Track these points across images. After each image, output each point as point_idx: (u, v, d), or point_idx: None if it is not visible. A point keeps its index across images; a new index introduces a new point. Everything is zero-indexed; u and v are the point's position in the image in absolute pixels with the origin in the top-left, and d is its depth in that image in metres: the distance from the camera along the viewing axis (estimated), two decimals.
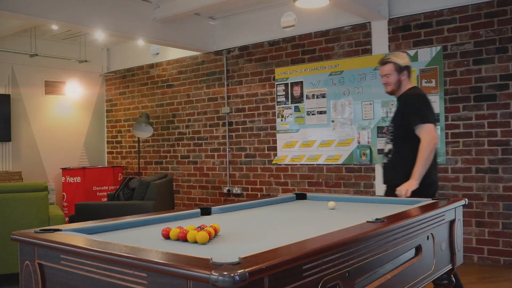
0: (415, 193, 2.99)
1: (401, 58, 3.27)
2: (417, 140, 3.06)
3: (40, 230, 1.89)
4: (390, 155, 3.23)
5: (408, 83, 3.28)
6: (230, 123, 6.81)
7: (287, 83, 6.20)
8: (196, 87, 7.21)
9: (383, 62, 3.27)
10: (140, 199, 5.21)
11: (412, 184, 2.99)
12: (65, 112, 8.10)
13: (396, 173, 3.17)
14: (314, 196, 3.32)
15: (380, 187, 5.39)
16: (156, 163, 7.76)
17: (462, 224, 2.83)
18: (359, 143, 5.61)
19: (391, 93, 3.30)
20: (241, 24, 6.63)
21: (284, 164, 6.23)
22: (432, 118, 3.10)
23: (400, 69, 3.23)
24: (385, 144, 3.36)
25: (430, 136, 3.02)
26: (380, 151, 5.42)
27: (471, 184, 4.90)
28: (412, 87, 3.30)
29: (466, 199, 2.85)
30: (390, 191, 3.18)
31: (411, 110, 3.13)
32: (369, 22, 5.53)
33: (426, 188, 3.06)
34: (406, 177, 3.04)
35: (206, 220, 2.31)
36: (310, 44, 6.02)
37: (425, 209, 2.45)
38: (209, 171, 7.03)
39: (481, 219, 4.85)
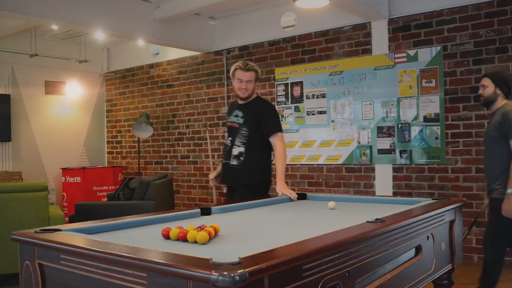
0: (256, 191, 3.36)
1: (258, 68, 3.53)
2: (267, 145, 3.45)
3: (40, 230, 1.90)
4: (242, 158, 3.43)
5: (255, 92, 3.57)
6: None
7: (287, 83, 6.20)
8: (196, 87, 7.21)
9: (248, 68, 3.42)
10: (140, 199, 5.21)
11: (284, 186, 3.29)
12: (65, 112, 8.10)
13: (251, 174, 3.42)
14: (314, 196, 3.32)
15: (380, 187, 5.39)
16: (156, 163, 7.76)
17: (462, 224, 2.83)
18: (359, 143, 5.61)
19: (245, 98, 3.47)
20: (241, 24, 6.63)
21: None
22: (281, 127, 3.51)
23: (258, 78, 3.50)
24: (229, 147, 3.48)
25: (284, 144, 3.44)
26: (381, 151, 5.43)
27: (471, 184, 4.90)
28: (259, 96, 3.62)
29: (466, 199, 2.86)
30: (233, 192, 3.50)
31: (268, 119, 3.45)
32: (369, 22, 5.52)
33: (264, 186, 3.49)
34: (263, 178, 3.47)
35: (206, 220, 2.31)
36: (310, 44, 6.02)
37: (425, 209, 2.45)
38: (209, 171, 7.01)
39: (481, 219, 4.85)
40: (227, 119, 3.61)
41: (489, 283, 3.29)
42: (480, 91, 3.42)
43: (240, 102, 3.53)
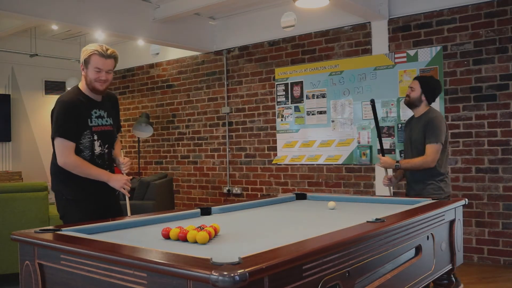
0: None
1: (117, 54, 2.87)
2: None
3: (40, 230, 1.90)
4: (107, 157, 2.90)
5: None
6: (230, 123, 6.80)
7: (287, 83, 6.20)
8: (196, 87, 7.21)
9: (109, 55, 2.71)
10: (140, 199, 5.21)
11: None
12: None
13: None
14: (314, 196, 3.32)
15: (380, 187, 5.39)
16: (156, 163, 7.75)
17: (462, 224, 2.83)
18: (359, 143, 5.61)
19: (102, 92, 2.79)
20: (241, 24, 6.63)
21: (284, 164, 6.23)
22: None
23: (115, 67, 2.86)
24: (108, 154, 2.90)
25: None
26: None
27: (471, 184, 4.90)
28: None
29: (466, 199, 2.86)
30: (110, 208, 2.98)
31: (118, 115, 3.03)
32: (369, 22, 5.52)
33: None
34: None
35: (206, 220, 2.31)
36: (310, 44, 6.02)
37: (425, 209, 2.45)
38: (209, 171, 7.03)
39: (481, 219, 4.85)
40: (88, 122, 2.73)
41: None
42: (407, 92, 3.51)
43: (94, 97, 2.78)
